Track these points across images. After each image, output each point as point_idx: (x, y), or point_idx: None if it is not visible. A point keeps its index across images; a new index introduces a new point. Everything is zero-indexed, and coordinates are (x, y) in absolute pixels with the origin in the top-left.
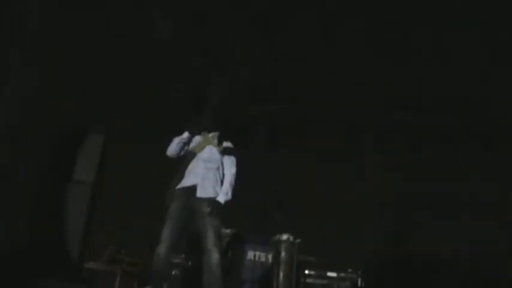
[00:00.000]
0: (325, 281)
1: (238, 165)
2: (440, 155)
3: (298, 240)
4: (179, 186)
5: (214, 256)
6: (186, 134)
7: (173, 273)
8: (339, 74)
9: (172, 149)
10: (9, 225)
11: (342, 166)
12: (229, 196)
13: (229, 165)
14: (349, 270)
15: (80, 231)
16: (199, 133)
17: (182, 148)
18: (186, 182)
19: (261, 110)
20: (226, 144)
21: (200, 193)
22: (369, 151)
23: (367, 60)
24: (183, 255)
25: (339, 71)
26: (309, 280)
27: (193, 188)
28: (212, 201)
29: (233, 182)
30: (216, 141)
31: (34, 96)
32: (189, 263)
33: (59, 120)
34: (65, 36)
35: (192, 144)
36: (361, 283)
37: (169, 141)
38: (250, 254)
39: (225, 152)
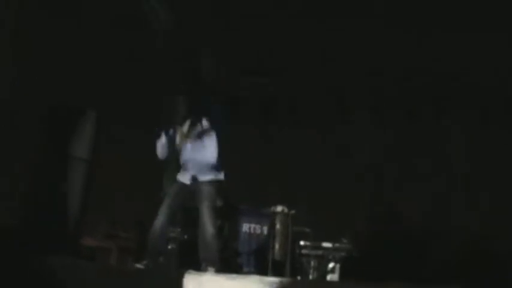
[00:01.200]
0: (320, 252)
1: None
2: (435, 123)
3: (292, 212)
4: (178, 177)
5: (209, 229)
6: (163, 138)
7: (169, 247)
8: (330, 45)
9: (160, 152)
10: (5, 202)
11: (334, 137)
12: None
13: (211, 147)
14: (344, 240)
15: (77, 207)
16: (174, 127)
17: (168, 147)
18: (184, 177)
19: (251, 82)
20: (204, 126)
21: (200, 178)
22: (361, 121)
23: (361, 31)
24: (179, 229)
25: (331, 43)
26: (304, 251)
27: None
28: (211, 182)
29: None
30: (193, 132)
31: (24, 74)
32: (185, 237)
33: (51, 98)
34: (56, 15)
35: (177, 140)
36: (355, 253)
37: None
38: (246, 227)
39: (201, 136)
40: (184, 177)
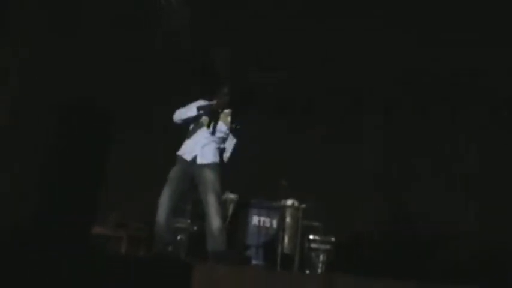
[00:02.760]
0: (328, 247)
1: (245, 131)
2: (446, 124)
3: (303, 206)
4: (179, 152)
5: (216, 222)
6: (193, 112)
7: (178, 238)
8: (347, 44)
9: (177, 118)
10: (18, 193)
11: (347, 134)
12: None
13: (229, 148)
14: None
15: (88, 197)
16: (208, 113)
17: (186, 121)
18: (186, 149)
19: (267, 77)
20: (236, 125)
21: (200, 160)
22: (373, 120)
23: (377, 31)
24: (188, 221)
25: (345, 42)
26: (313, 245)
27: (192, 159)
28: (212, 166)
29: (233, 146)
30: (228, 118)
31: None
32: (194, 228)
33: (57, 96)
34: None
35: (204, 116)
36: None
37: (175, 109)
38: (255, 220)
39: (233, 131)
40: (186, 154)
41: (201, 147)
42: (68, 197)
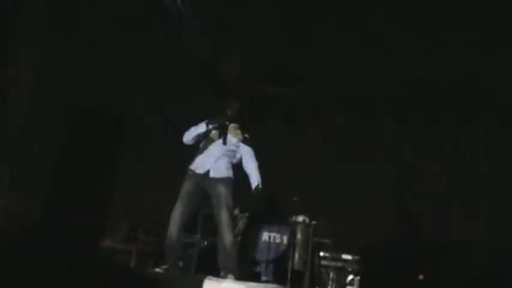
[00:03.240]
0: (339, 264)
1: (255, 145)
2: (457, 130)
3: (314, 222)
4: (191, 166)
5: (228, 237)
6: (203, 127)
7: (189, 252)
8: (356, 53)
9: (188, 138)
10: (29, 198)
11: (358, 147)
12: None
13: (250, 157)
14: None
15: (98, 210)
16: (217, 127)
17: (197, 139)
18: (198, 163)
19: (278, 90)
20: (245, 135)
21: (213, 174)
22: (387, 131)
23: (387, 39)
24: (199, 236)
25: (357, 50)
26: (323, 262)
27: (204, 173)
28: (225, 180)
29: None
30: (237, 131)
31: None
32: (205, 243)
33: (71, 99)
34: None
35: (213, 130)
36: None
37: (187, 119)
38: (265, 236)
39: (244, 142)
40: (198, 169)
41: (214, 161)
42: (78, 209)
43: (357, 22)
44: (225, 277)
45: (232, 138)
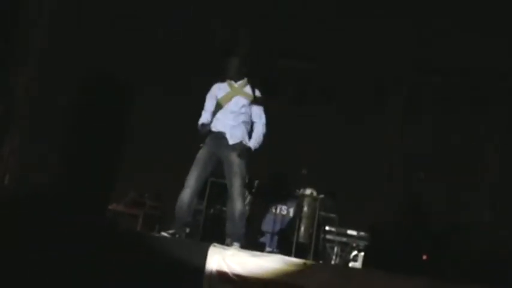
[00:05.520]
0: (344, 239)
1: (266, 118)
2: (469, 119)
3: (321, 196)
4: (209, 135)
5: (239, 205)
6: (200, 128)
7: (196, 219)
8: (369, 33)
9: (203, 119)
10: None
11: (367, 126)
12: (260, 143)
13: (259, 116)
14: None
15: (106, 174)
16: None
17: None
18: (215, 127)
19: (289, 66)
20: (256, 93)
21: (230, 140)
22: (396, 111)
23: (399, 21)
24: (205, 203)
25: (370, 30)
26: (328, 236)
27: (221, 136)
28: (240, 144)
29: (264, 131)
30: (244, 89)
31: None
32: (211, 211)
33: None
34: None
35: (220, 95)
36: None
37: (196, 87)
38: (272, 207)
39: (254, 101)
40: (215, 137)
41: (230, 129)
42: (87, 173)
43: (376, 6)
44: (230, 244)
45: (241, 98)
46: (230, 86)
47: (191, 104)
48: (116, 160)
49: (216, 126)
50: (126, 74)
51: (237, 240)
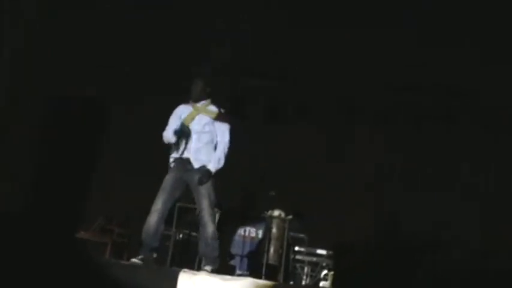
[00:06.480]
0: (314, 259)
1: (233, 137)
2: (436, 135)
3: (289, 217)
4: (172, 156)
5: (210, 227)
6: (175, 120)
7: (165, 244)
8: (338, 51)
9: (167, 137)
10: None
11: (338, 143)
12: (221, 164)
13: (222, 133)
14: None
15: (74, 201)
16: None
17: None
18: (179, 158)
19: (259, 84)
20: (220, 110)
21: (194, 164)
22: (365, 130)
23: (367, 38)
24: (173, 228)
25: (339, 49)
26: (298, 257)
27: (186, 160)
28: (202, 169)
29: (226, 150)
30: (208, 108)
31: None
32: (180, 236)
33: (51, 88)
34: None
35: (183, 115)
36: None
37: (162, 104)
38: (240, 229)
39: (218, 118)
40: (179, 161)
41: (194, 153)
42: (54, 199)
43: (345, 24)
44: (203, 268)
45: (204, 117)
46: (193, 106)
47: (159, 126)
48: (84, 186)
49: (179, 153)
50: (93, 97)
51: (212, 262)
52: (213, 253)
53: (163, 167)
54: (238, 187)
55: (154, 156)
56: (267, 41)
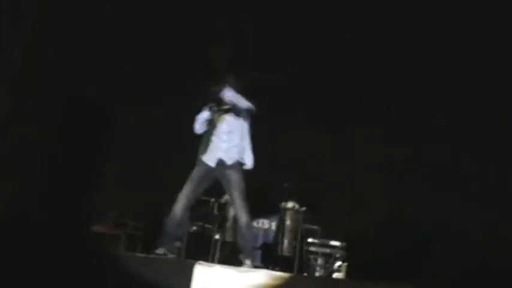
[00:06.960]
0: (327, 250)
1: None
2: (444, 128)
3: (303, 209)
4: (203, 157)
5: (243, 217)
6: (206, 114)
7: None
8: (340, 44)
9: (197, 127)
10: (16, 186)
11: (345, 136)
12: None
13: (247, 130)
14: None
15: (87, 196)
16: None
17: (205, 124)
18: (210, 157)
19: (263, 78)
20: (238, 112)
21: (226, 161)
22: (370, 120)
23: (369, 31)
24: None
25: (341, 42)
26: (312, 248)
27: (218, 159)
28: (237, 164)
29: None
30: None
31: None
32: (194, 228)
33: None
34: None
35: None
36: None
37: (177, 106)
38: (254, 221)
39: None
40: (210, 159)
41: (225, 153)
42: (66, 194)
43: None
44: (243, 262)
45: (235, 123)
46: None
47: (172, 123)
48: (96, 180)
49: (210, 156)
50: (105, 91)
51: (248, 256)
52: (248, 244)
53: (176, 164)
54: (252, 179)
55: (167, 153)
56: (267, 41)
